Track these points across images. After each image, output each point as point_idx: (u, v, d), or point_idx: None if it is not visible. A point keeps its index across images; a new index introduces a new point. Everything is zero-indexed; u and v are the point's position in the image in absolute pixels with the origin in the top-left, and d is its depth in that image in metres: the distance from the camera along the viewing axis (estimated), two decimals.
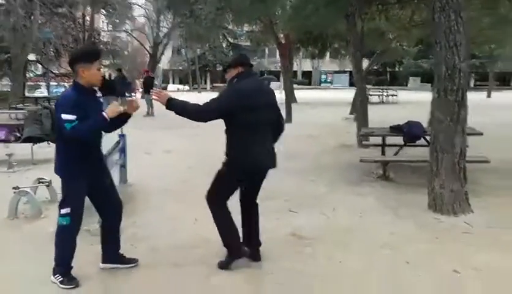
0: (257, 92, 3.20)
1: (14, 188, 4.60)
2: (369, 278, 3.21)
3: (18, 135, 7.23)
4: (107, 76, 17.35)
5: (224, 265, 3.30)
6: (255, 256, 3.45)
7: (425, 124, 6.61)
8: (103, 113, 2.95)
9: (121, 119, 3.22)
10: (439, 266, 3.36)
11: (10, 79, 20.25)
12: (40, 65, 26.41)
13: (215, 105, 3.10)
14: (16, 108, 14.02)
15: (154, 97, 3.23)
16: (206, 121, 3.19)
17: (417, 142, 6.17)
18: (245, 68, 3.25)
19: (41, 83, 26.55)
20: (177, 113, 3.18)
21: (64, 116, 2.86)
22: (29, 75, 25.53)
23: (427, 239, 3.90)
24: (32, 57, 24.04)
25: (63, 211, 3.01)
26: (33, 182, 5.13)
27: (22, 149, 7.29)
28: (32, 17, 16.13)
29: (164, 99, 3.12)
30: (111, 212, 3.29)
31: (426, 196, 4.78)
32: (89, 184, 3.08)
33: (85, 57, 3.01)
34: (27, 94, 21.67)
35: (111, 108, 2.99)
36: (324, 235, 4.02)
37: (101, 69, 3.13)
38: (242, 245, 3.34)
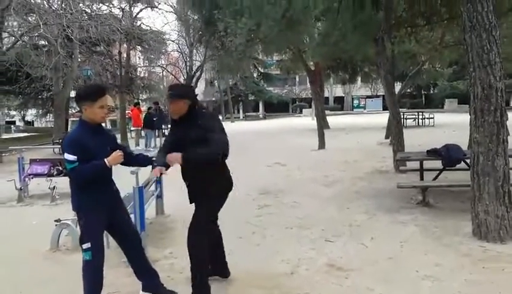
0: None
1: (56, 221, 4.75)
2: None
3: (61, 169, 7.53)
4: (151, 110, 18.04)
5: None
6: (225, 273, 3.57)
7: (464, 147, 6.39)
8: (105, 160, 2.98)
9: (144, 162, 3.41)
10: None
11: (53, 116, 21.27)
12: None
13: (224, 134, 3.19)
14: (59, 143, 14.73)
15: (169, 162, 3.16)
16: (227, 153, 3.17)
17: (458, 165, 5.95)
18: (196, 101, 3.27)
19: None
20: (195, 162, 3.10)
21: (66, 156, 2.91)
22: (72, 111, 26.80)
23: (474, 270, 3.69)
24: (73, 94, 25.27)
25: (84, 246, 3.03)
26: (74, 214, 5.28)
27: (64, 183, 7.55)
28: (73, 56, 17.02)
29: (177, 159, 3.07)
30: (130, 244, 3.32)
31: (470, 223, 4.56)
32: (106, 217, 3.11)
33: (88, 95, 3.04)
34: (70, 130, 22.72)
35: (114, 157, 3.02)
36: (364, 266, 3.88)
37: (105, 107, 3.09)
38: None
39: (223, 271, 3.60)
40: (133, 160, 3.34)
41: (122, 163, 3.20)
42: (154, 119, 16.70)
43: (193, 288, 3.21)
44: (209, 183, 3.23)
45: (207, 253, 3.24)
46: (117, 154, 3.05)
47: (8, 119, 42.15)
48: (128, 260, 3.38)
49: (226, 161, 3.34)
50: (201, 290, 3.20)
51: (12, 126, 42.79)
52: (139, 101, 24.60)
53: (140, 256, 3.36)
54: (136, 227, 4.22)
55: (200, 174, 3.22)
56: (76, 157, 2.90)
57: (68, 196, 7.60)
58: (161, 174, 3.22)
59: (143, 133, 17.04)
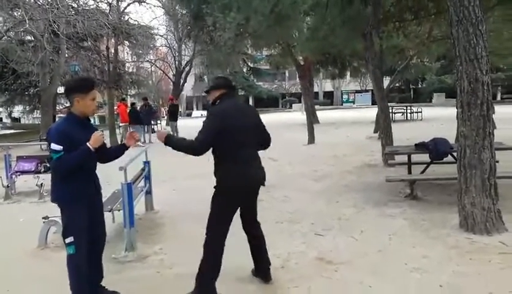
0: (239, 113, 3.24)
1: (44, 218, 4.70)
2: None
3: (48, 165, 7.45)
4: (137, 106, 17.99)
5: None
6: (266, 277, 3.46)
7: (452, 141, 6.46)
8: (87, 144, 2.92)
9: (119, 150, 3.32)
10: (474, 290, 3.22)
11: (40, 112, 20.99)
12: None
13: (202, 135, 3.09)
14: (46, 140, 14.57)
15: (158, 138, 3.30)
16: (201, 153, 3.13)
17: (445, 159, 6.02)
18: (227, 91, 3.31)
19: None
20: (173, 148, 3.20)
21: (52, 146, 2.87)
22: (59, 107, 26.46)
23: (461, 261, 3.74)
24: (61, 89, 24.98)
25: (67, 240, 2.98)
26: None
27: None
28: (60, 51, 16.80)
29: (163, 136, 3.19)
30: (96, 246, 3.24)
31: (457, 215, 4.63)
32: (87, 211, 3.05)
33: (80, 87, 3.02)
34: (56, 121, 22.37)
35: (94, 139, 2.96)
36: (353, 259, 3.92)
37: (96, 100, 3.10)
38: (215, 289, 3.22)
39: (262, 274, 3.50)
40: (109, 154, 3.27)
41: (100, 161, 3.16)
42: (140, 114, 16.64)
43: (197, 283, 3.20)
44: (218, 176, 3.21)
45: (219, 251, 3.19)
46: (97, 135, 2.99)
47: None
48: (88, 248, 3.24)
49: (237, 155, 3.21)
50: (204, 288, 3.18)
51: None
52: (125, 96, 24.38)
53: (99, 259, 3.30)
54: (126, 223, 4.21)
55: (214, 166, 3.25)
56: (62, 147, 2.85)
57: None
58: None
59: (130, 129, 16.94)
